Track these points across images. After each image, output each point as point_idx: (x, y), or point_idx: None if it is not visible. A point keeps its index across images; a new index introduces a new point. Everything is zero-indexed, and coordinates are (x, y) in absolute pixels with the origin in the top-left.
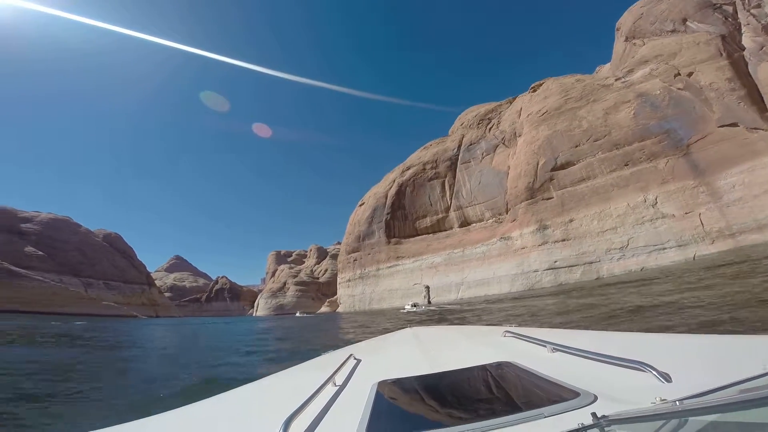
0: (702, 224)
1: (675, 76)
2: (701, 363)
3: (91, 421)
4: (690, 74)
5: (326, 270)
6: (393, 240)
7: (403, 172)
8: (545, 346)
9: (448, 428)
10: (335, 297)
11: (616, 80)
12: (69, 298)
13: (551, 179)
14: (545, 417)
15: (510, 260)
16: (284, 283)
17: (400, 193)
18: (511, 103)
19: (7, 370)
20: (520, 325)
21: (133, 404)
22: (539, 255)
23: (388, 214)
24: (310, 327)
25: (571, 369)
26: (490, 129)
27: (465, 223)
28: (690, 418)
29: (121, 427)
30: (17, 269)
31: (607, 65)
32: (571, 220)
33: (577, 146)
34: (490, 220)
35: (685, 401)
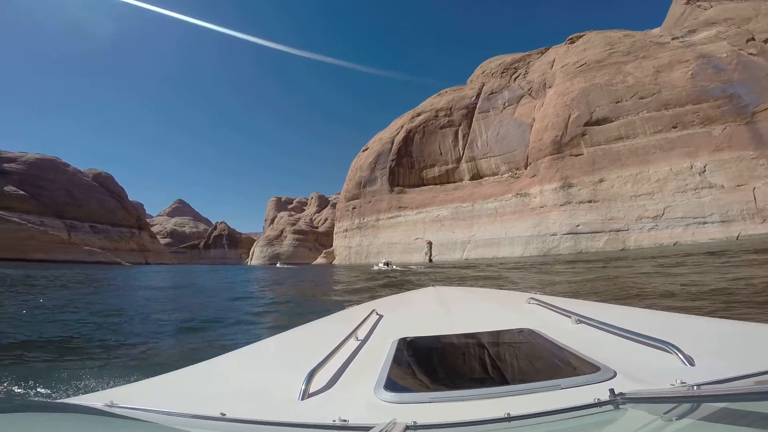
0: (755, 199)
1: (748, 41)
2: (728, 349)
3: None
4: (767, 41)
5: (326, 219)
6: (396, 188)
7: (413, 117)
8: (570, 317)
9: (462, 391)
10: (333, 248)
11: (672, 39)
12: (47, 243)
13: (583, 134)
14: (561, 389)
15: (526, 219)
16: (282, 231)
17: (408, 139)
18: (543, 53)
19: None
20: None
21: None
22: (560, 216)
23: (393, 160)
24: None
25: (594, 343)
26: (515, 79)
27: (477, 176)
28: (704, 404)
29: (147, 382)
30: None
31: (656, 30)
32: (601, 180)
33: (618, 102)
34: (506, 174)
35: (703, 387)
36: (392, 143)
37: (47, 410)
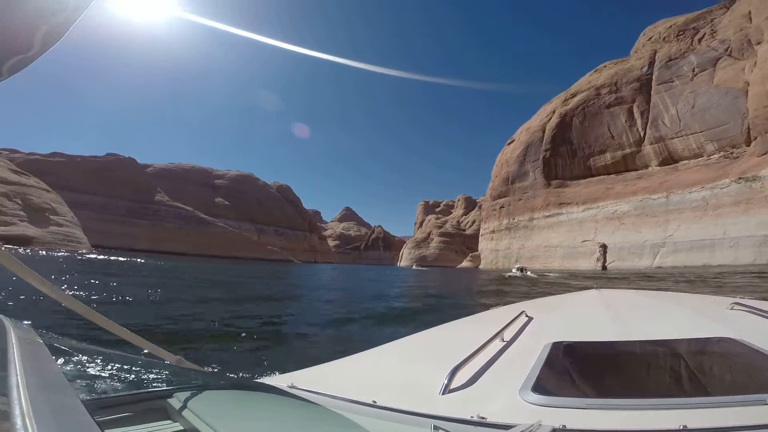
0: None
1: None
2: None
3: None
4: None
5: (473, 222)
6: (554, 182)
7: (566, 100)
8: None
9: (625, 399)
10: (478, 251)
11: None
12: (243, 244)
13: None
14: (765, 404)
15: (756, 212)
16: (429, 234)
17: (564, 124)
18: (728, 8)
19: None
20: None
21: None
22: None
23: (547, 150)
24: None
25: None
26: (700, 40)
27: (669, 160)
28: None
29: (317, 368)
30: (206, 217)
31: None
32: None
33: None
34: (715, 155)
35: None
36: (543, 131)
37: (250, 389)
